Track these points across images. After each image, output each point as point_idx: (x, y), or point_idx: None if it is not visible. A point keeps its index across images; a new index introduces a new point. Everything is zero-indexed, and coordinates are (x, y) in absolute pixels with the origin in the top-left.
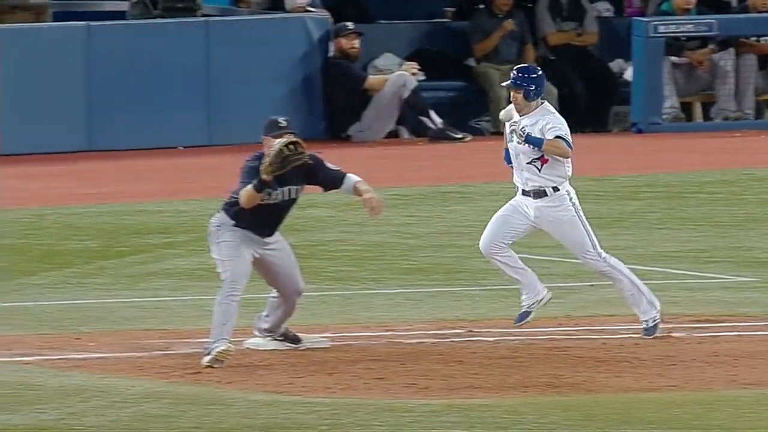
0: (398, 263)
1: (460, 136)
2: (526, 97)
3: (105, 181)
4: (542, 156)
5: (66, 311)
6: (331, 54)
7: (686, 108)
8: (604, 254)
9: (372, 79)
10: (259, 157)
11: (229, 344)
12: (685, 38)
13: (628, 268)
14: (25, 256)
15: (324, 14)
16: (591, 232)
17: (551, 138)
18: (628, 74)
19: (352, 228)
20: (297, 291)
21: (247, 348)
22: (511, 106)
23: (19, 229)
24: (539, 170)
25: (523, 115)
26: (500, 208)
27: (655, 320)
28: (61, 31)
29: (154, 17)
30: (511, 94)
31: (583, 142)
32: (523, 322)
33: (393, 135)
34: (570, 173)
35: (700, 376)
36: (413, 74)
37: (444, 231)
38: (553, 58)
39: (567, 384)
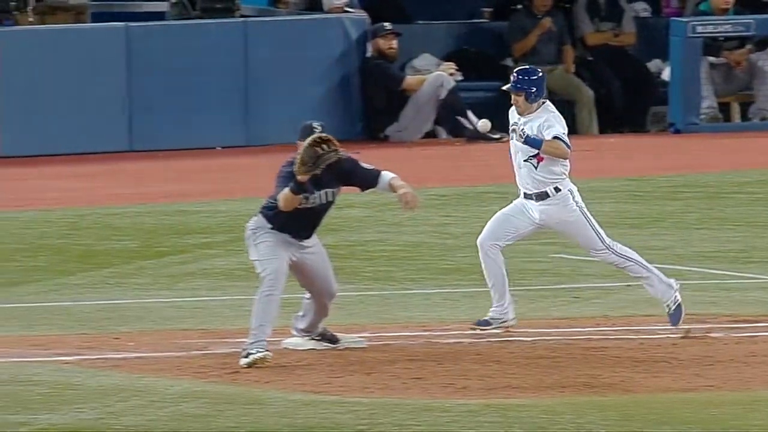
0: (436, 263)
1: (497, 136)
2: (527, 99)
3: (144, 181)
4: (538, 153)
5: (105, 311)
6: (368, 54)
7: (724, 108)
8: (612, 244)
9: (410, 80)
10: (294, 162)
11: (267, 352)
12: (722, 38)
13: (667, 267)
14: (64, 256)
15: (362, 14)
16: (598, 228)
17: (549, 138)
18: (666, 74)
19: (389, 228)
20: (330, 294)
21: (285, 348)
22: (514, 109)
23: (59, 229)
24: (536, 168)
25: (525, 116)
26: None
27: (676, 300)
28: (100, 32)
29: (193, 18)
30: (512, 97)
31: (621, 142)
32: (480, 327)
33: (430, 135)
34: (568, 171)
35: (739, 377)
36: (451, 74)
37: (481, 231)
38: (590, 58)
39: (605, 384)
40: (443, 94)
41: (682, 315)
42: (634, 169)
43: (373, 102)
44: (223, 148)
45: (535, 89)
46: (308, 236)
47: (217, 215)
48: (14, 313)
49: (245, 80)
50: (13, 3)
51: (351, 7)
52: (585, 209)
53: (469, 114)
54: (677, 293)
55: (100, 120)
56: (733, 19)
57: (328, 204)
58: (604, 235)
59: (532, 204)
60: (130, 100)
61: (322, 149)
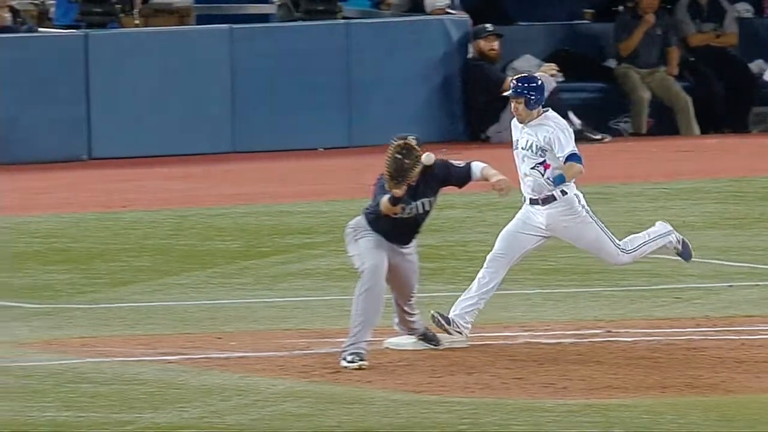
0: (537, 264)
1: (598, 137)
2: (527, 105)
3: (247, 182)
4: (544, 161)
5: (208, 311)
6: (470, 56)
7: None
8: (620, 245)
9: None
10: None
11: (362, 361)
12: None
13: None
14: (168, 256)
15: (463, 16)
16: (608, 231)
17: (562, 158)
18: None
19: (490, 228)
20: (407, 297)
21: (387, 347)
22: (515, 121)
23: (163, 230)
24: (543, 175)
25: (526, 123)
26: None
27: (679, 240)
28: (204, 34)
29: (295, 20)
30: (512, 104)
31: (723, 143)
32: (441, 318)
33: None
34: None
35: None
36: (552, 75)
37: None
38: (692, 59)
39: (706, 384)
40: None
41: (690, 246)
42: (736, 169)
43: (474, 103)
44: (325, 149)
45: (534, 95)
46: (407, 243)
47: (319, 216)
48: (119, 313)
49: (348, 82)
50: (118, 6)
51: (453, 9)
52: (591, 212)
53: (571, 115)
54: (675, 232)
55: (204, 121)
56: None
57: (426, 213)
58: (614, 239)
59: (538, 209)
60: (234, 101)
61: (406, 161)
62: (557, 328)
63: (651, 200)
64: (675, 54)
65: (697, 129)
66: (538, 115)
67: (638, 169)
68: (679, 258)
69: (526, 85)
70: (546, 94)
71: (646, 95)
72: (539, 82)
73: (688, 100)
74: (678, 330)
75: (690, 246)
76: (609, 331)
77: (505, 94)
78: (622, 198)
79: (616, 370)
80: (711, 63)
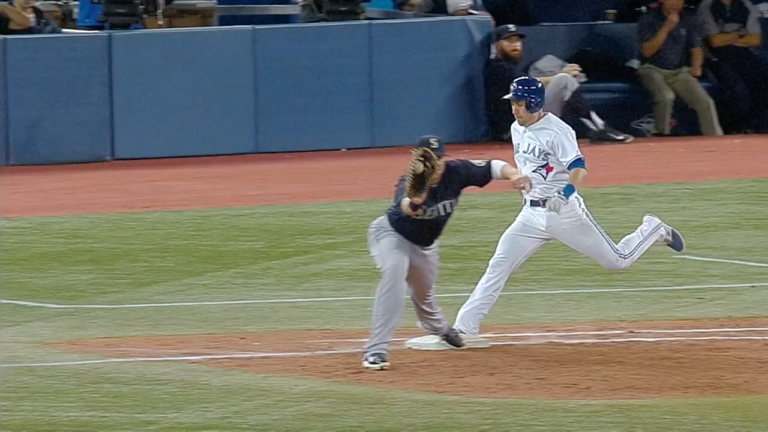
0: (559, 264)
1: (621, 137)
2: (528, 108)
3: (270, 182)
4: (547, 164)
5: (231, 311)
6: (492, 56)
7: None
8: (619, 250)
9: None
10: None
11: (384, 362)
12: None
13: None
14: (191, 256)
15: (486, 17)
16: (607, 237)
17: (566, 164)
18: None
19: None
20: (425, 295)
21: (409, 348)
22: (516, 125)
23: (186, 230)
24: (545, 178)
25: (526, 126)
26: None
27: (668, 232)
28: (227, 35)
29: (318, 21)
30: (513, 106)
31: (745, 143)
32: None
33: None
34: None
35: None
36: (574, 76)
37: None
38: (715, 59)
39: (728, 385)
40: (567, 95)
41: (681, 236)
42: (759, 170)
43: (496, 104)
44: (348, 149)
45: (535, 98)
46: (429, 244)
47: (342, 216)
48: (142, 313)
49: (370, 82)
50: (141, 7)
51: (475, 10)
52: (591, 217)
53: (593, 115)
54: (663, 224)
55: (227, 122)
56: None
57: (447, 215)
58: (612, 243)
59: (540, 210)
60: (257, 102)
61: (426, 166)
62: (579, 328)
63: (673, 201)
64: (698, 55)
65: (719, 130)
66: (539, 118)
67: (661, 169)
68: (670, 248)
69: (526, 87)
70: (569, 94)
71: (670, 96)
72: (539, 85)
73: (710, 101)
74: (700, 330)
75: (680, 236)
76: (631, 332)
77: (505, 97)
78: (645, 198)
79: (638, 371)
80: (734, 63)
